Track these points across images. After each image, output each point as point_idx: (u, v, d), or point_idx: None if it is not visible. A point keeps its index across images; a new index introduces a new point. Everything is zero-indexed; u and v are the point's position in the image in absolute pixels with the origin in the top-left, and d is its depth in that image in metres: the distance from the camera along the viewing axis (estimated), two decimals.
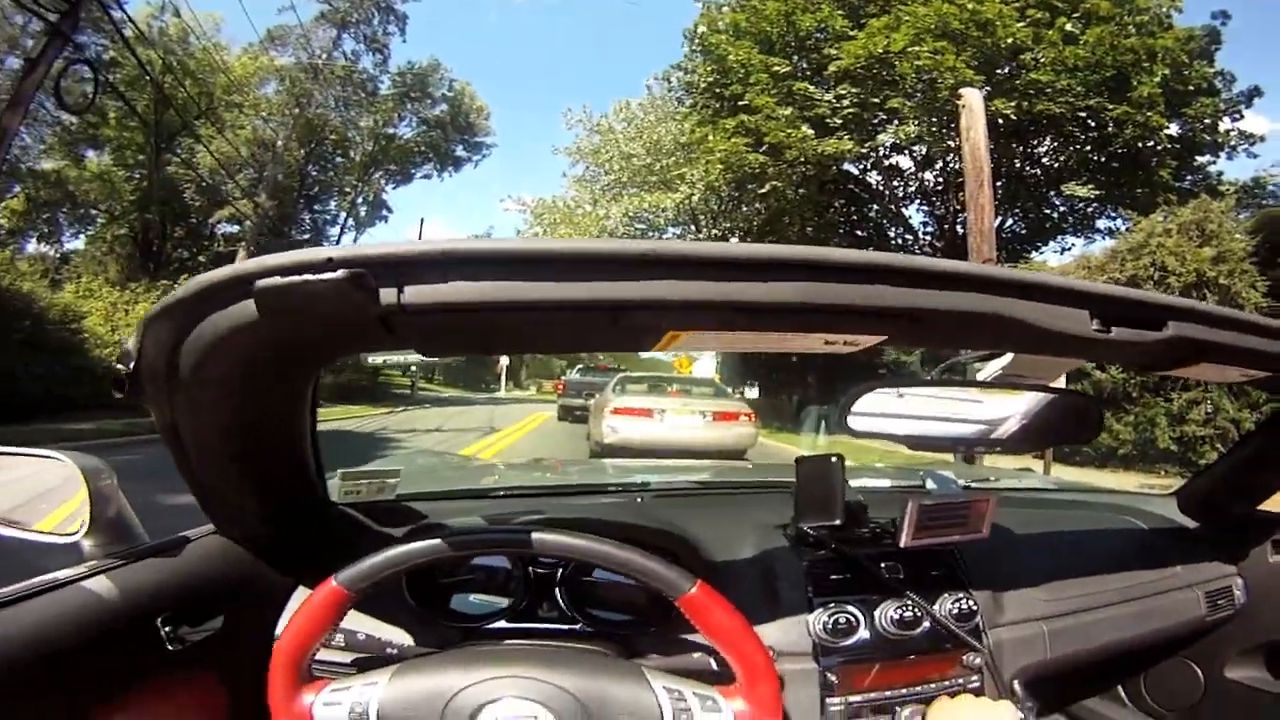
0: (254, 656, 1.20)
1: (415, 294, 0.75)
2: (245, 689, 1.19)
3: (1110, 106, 17.06)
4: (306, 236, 36.18)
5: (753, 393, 26.12)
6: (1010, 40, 16.78)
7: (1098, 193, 18.72)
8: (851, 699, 1.29)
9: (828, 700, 1.27)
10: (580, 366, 26.17)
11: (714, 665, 1.15)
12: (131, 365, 0.94)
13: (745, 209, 23.48)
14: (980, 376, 1.83)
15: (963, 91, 13.68)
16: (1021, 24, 16.94)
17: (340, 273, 0.73)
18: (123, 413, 16.83)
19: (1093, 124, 18.01)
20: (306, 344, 0.95)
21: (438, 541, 1.07)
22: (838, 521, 1.41)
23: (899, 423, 1.59)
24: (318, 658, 1.09)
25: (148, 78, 23.52)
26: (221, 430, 1.04)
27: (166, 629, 1.10)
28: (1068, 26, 16.81)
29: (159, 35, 26.34)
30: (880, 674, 1.31)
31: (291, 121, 31.84)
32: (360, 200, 38.23)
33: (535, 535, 1.07)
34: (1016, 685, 1.36)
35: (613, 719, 0.99)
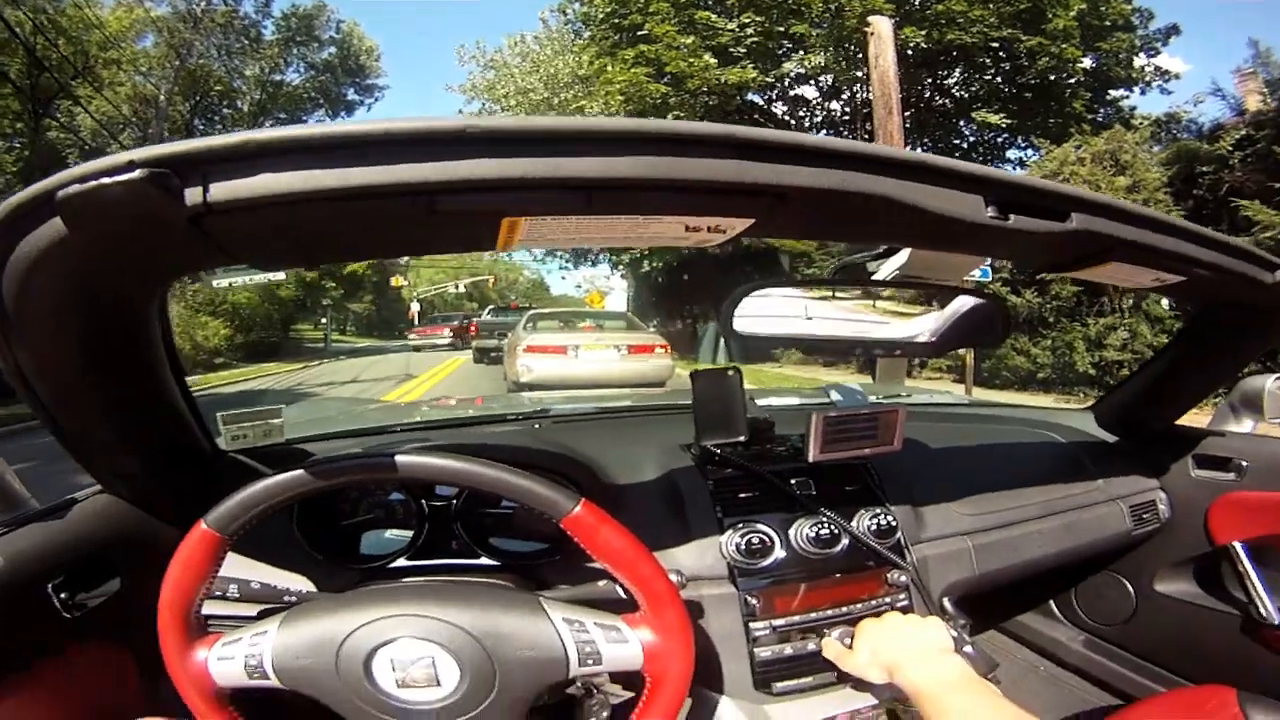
0: (152, 616, 1.15)
1: (220, 190, 0.70)
2: (149, 650, 1.11)
3: (1024, 38, 17.19)
4: None
5: (670, 327, 26.45)
6: None
7: (1009, 122, 18.91)
8: (775, 622, 1.26)
9: (751, 625, 1.25)
10: (492, 307, 26.14)
11: (620, 594, 1.07)
12: None
13: None
14: (877, 276, 1.75)
15: (871, 19, 13.87)
16: None
17: (139, 172, 0.67)
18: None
19: (1005, 55, 18.24)
20: (125, 259, 0.86)
21: (300, 472, 1.00)
22: (742, 438, 1.42)
23: (788, 324, 1.53)
24: (217, 612, 1.08)
25: (17, 41, 22.78)
26: (71, 370, 0.98)
27: (60, 595, 1.06)
28: None
29: None
30: (803, 596, 1.29)
31: (173, 75, 30.98)
32: None
33: (400, 458, 0.99)
34: (946, 602, 1.34)
35: (512, 654, 0.96)
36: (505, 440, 1.60)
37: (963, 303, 1.58)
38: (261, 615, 1.08)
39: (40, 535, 1.10)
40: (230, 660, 0.98)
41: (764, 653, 1.25)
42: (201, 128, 35.34)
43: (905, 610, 1.31)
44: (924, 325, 1.57)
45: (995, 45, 17.55)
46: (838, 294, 1.63)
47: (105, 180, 0.68)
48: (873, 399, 2.08)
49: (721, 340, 18.56)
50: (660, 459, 1.45)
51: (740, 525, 1.30)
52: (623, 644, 0.97)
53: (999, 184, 0.85)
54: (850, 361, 16.46)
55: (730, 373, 1.43)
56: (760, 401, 1.61)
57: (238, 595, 1.10)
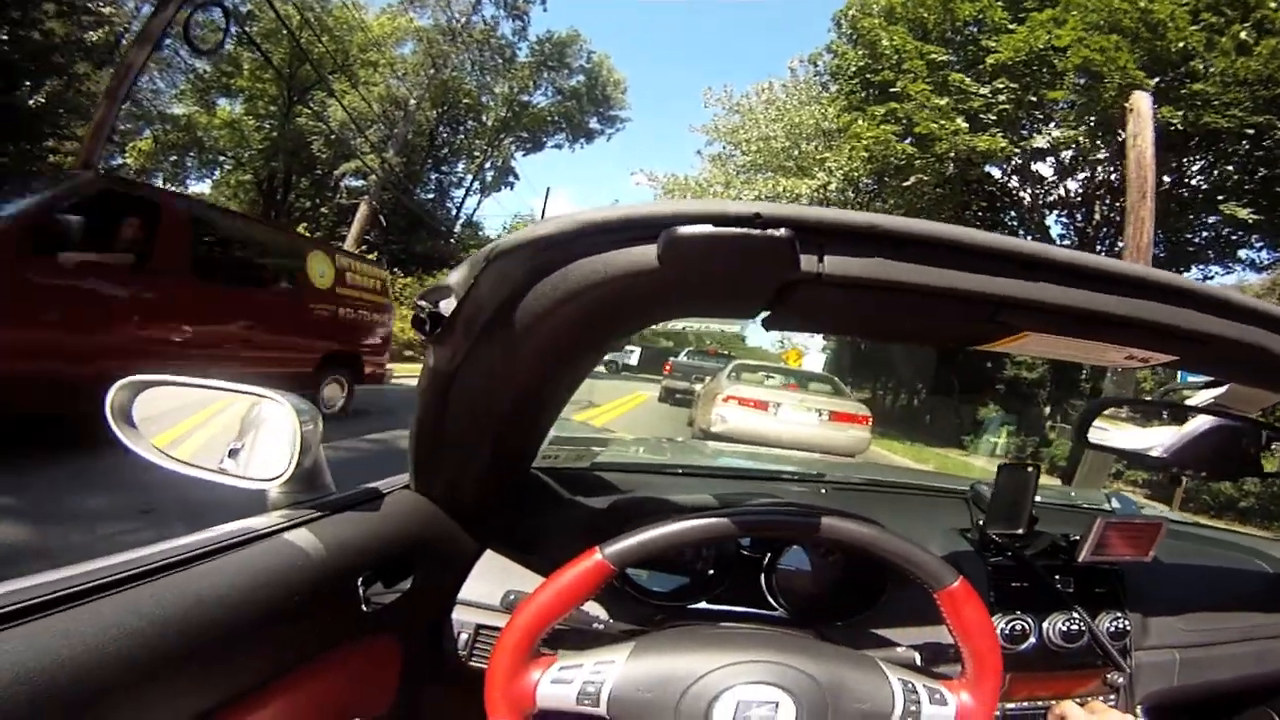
0: (434, 620, 1.28)
1: (835, 264, 0.77)
2: (421, 653, 1.23)
3: (1278, 124, 16.45)
4: (430, 196, 38.67)
5: (862, 394, 26.15)
6: (1181, 44, 16.54)
7: (1257, 217, 17.91)
8: (1009, 706, 1.39)
9: None
10: (690, 349, 26.30)
11: (916, 660, 1.18)
12: (449, 303, 0.94)
13: (880, 204, 23.51)
14: (1192, 402, 1.90)
15: (1134, 94, 13.60)
16: (1195, 27, 16.56)
17: (781, 231, 0.74)
18: None
19: (1257, 143, 17.35)
20: (672, 302, 0.95)
21: (723, 521, 1.09)
22: (1020, 531, 1.51)
23: (1130, 439, 1.82)
24: (493, 623, 1.15)
25: (284, 31, 25.29)
26: (511, 386, 1.08)
27: (363, 588, 1.11)
28: (1242, 35, 16.29)
29: None
30: (1034, 682, 1.41)
31: (426, 82, 33.91)
32: (489, 165, 40.38)
33: (826, 520, 1.10)
34: (1139, 710, 1.45)
35: (849, 706, 1.03)
36: (825, 504, 1.67)
37: (1213, 424, 1.77)
38: (552, 640, 1.11)
39: (357, 527, 1.13)
40: (566, 684, 1.03)
41: None
42: (445, 135, 38.83)
43: (1113, 707, 1.39)
44: (1158, 439, 1.77)
45: (1249, 130, 16.75)
46: (1161, 415, 1.87)
47: (734, 230, 0.75)
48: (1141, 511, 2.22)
49: (1005, 430, 18.75)
50: (943, 540, 1.58)
51: (1007, 612, 1.43)
52: (942, 705, 1.05)
53: None
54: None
55: (1030, 469, 1.51)
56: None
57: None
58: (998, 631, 1.37)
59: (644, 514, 1.15)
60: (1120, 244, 20.79)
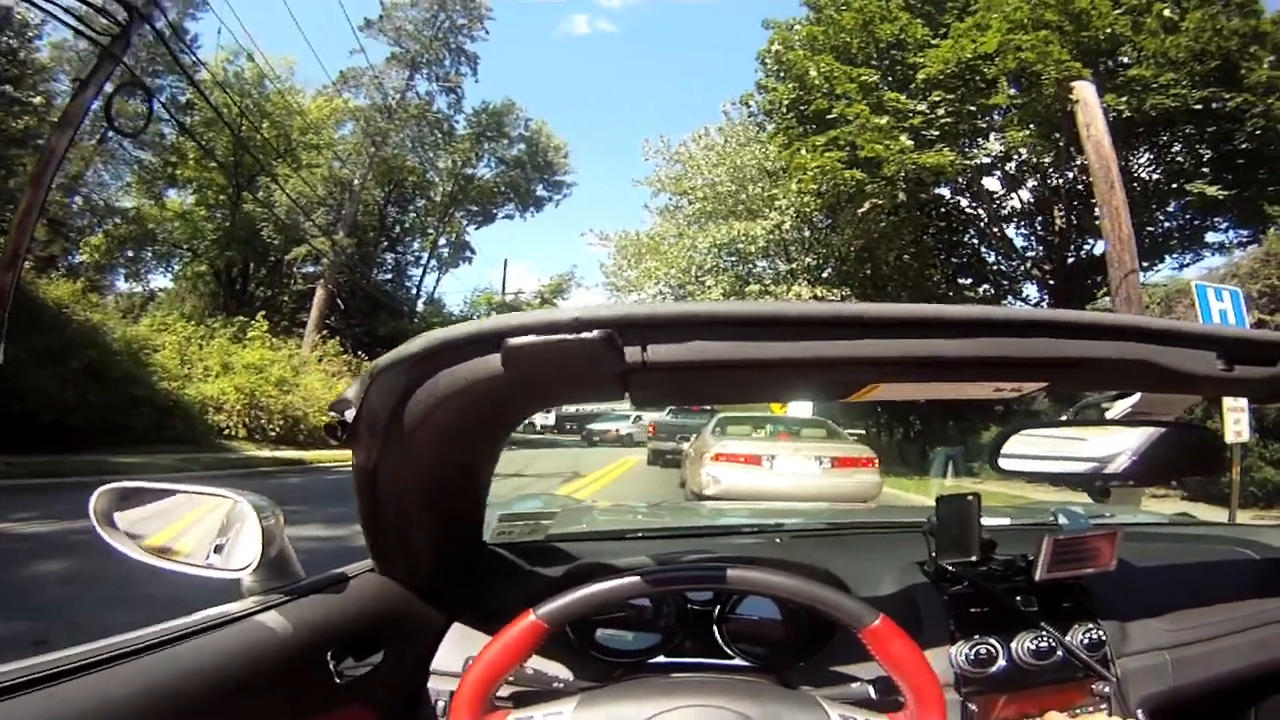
0: (410, 690, 1.35)
1: (658, 352, 0.86)
2: (399, 719, 1.32)
3: (1226, 96, 16.46)
4: (389, 277, 39.64)
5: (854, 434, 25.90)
6: (1109, 31, 16.69)
7: (1226, 194, 17.65)
8: None
9: None
10: (671, 409, 26.04)
11: (871, 694, 1.22)
12: (352, 413, 1.02)
13: (837, 237, 23.75)
14: (1110, 415, 2.02)
15: (1074, 85, 13.81)
16: (1118, 11, 16.69)
17: (594, 333, 0.83)
18: (178, 447, 18.32)
19: (1210, 118, 17.36)
20: (535, 396, 1.11)
21: (636, 579, 1.18)
22: (974, 557, 1.51)
23: (1043, 462, 1.83)
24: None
25: (223, 122, 26.32)
26: (424, 475, 1.18)
27: (333, 663, 1.18)
28: (1165, 12, 16.44)
29: (234, 78, 29.32)
30: (1013, 703, 1.41)
31: (368, 161, 34.60)
32: (443, 241, 41.26)
33: (731, 572, 1.18)
34: (1140, 714, 1.45)
35: None
36: (771, 554, 1.76)
37: (1183, 434, 1.84)
38: (518, 699, 1.21)
39: (322, 607, 1.22)
40: None
41: None
42: (395, 214, 39.77)
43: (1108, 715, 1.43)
44: (1120, 446, 1.76)
45: (1196, 107, 16.80)
46: (1077, 433, 1.94)
47: (562, 336, 0.84)
48: (1092, 520, 2.16)
49: (951, 463, 18.44)
50: (897, 575, 1.60)
51: (972, 638, 1.42)
52: None
53: (1228, 341, 1.06)
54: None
55: (969, 498, 1.52)
56: (983, 521, 1.56)
57: (510, 678, 1.18)
58: (964, 657, 1.38)
59: (592, 578, 1.18)
60: (1088, 245, 21.47)
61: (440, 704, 1.33)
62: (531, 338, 0.84)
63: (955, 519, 1.52)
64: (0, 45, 21.22)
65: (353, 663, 1.22)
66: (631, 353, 0.85)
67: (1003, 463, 1.73)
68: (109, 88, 15.33)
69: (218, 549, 1.23)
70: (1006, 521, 2.26)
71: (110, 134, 27.00)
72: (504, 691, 1.21)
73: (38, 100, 23.24)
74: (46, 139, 15.15)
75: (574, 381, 1.00)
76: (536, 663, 1.27)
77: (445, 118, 37.96)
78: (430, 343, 0.92)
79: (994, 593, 1.51)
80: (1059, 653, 1.43)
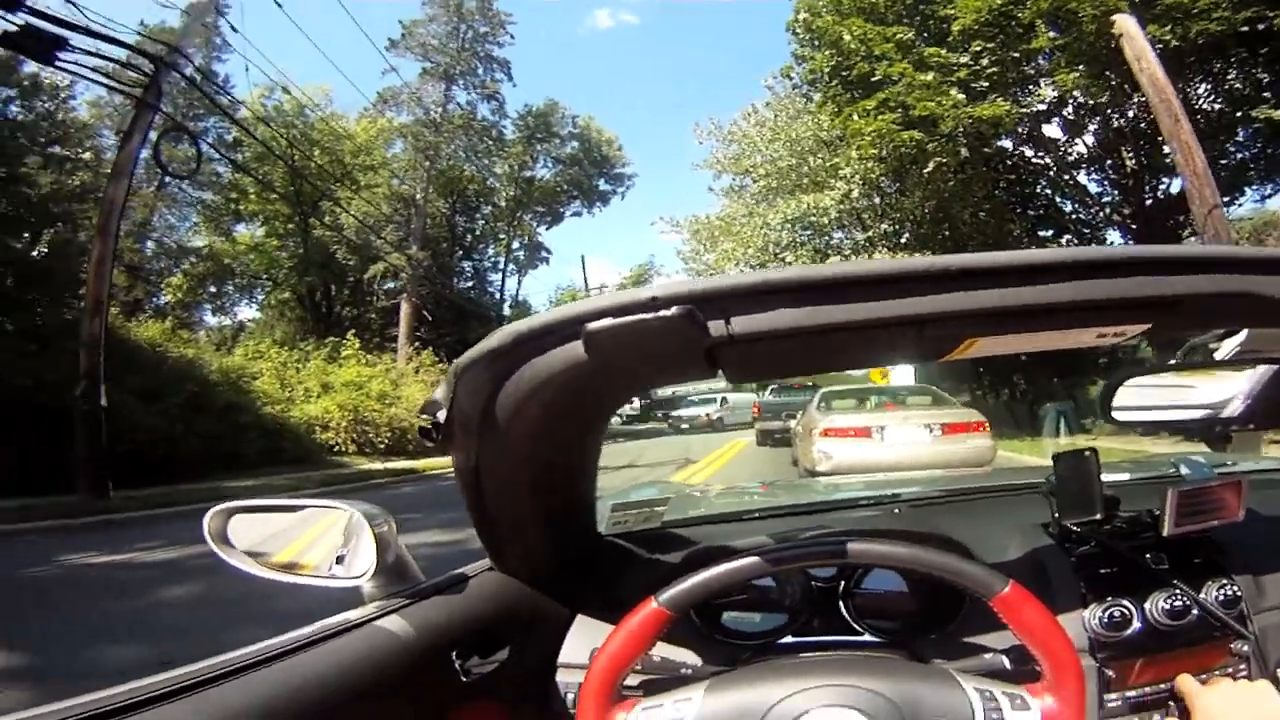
0: (537, 684, 1.38)
1: (742, 324, 0.85)
2: (528, 715, 1.35)
3: (1270, 14, 15.39)
4: (470, 284, 40.52)
5: (960, 399, 25.44)
6: None
7: None
8: (1127, 694, 1.34)
9: (1105, 697, 1.32)
10: (774, 387, 26.08)
11: (1005, 664, 1.19)
12: (443, 414, 1.05)
13: (908, 200, 23.49)
14: (1219, 356, 1.93)
15: (1114, 19, 13.34)
16: None
17: (674, 309, 0.82)
18: (290, 468, 19.08)
19: (1259, 40, 16.36)
20: (625, 381, 1.10)
21: (756, 559, 1.16)
22: (1098, 516, 1.49)
23: (1157, 411, 1.76)
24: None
25: (274, 155, 27.30)
26: (525, 469, 1.19)
27: (459, 661, 1.22)
28: None
29: (274, 112, 29.93)
30: (1150, 667, 1.36)
31: (425, 175, 35.27)
32: (516, 245, 41.98)
33: (853, 545, 1.16)
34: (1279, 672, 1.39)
35: None
36: (888, 525, 1.74)
37: (1274, 370, 1.71)
38: (648, 687, 1.22)
39: (444, 608, 1.26)
40: None
41: None
42: (464, 223, 40.54)
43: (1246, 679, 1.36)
44: (1235, 389, 1.71)
45: (1244, 30, 15.68)
46: (1187, 378, 1.83)
47: (641, 316, 0.83)
48: (1215, 470, 2.12)
49: (1062, 419, 17.62)
50: (1021, 539, 1.56)
51: (1104, 600, 1.38)
52: (1025, 711, 1.06)
53: None
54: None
55: (1088, 453, 1.50)
56: (1104, 477, 1.57)
57: (638, 667, 1.18)
58: (1097, 621, 1.34)
59: (711, 562, 1.18)
60: (1163, 184, 20.90)
61: (570, 696, 1.36)
62: (610, 320, 0.84)
63: (1075, 476, 1.51)
64: (39, 110, 21.96)
65: (478, 660, 1.25)
66: (716, 327, 0.84)
67: (1116, 414, 1.71)
68: (153, 135, 15.89)
69: (339, 560, 1.26)
70: (1126, 477, 2.15)
71: (167, 179, 28.27)
72: (633, 680, 1.21)
73: (87, 155, 24.21)
74: (104, 191, 15.84)
75: (661, 363, 0.99)
76: (663, 650, 1.27)
77: (492, 124, 38.52)
78: (509, 336, 0.92)
79: (1122, 552, 1.46)
80: (1194, 612, 1.38)
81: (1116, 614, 1.35)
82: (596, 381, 1.01)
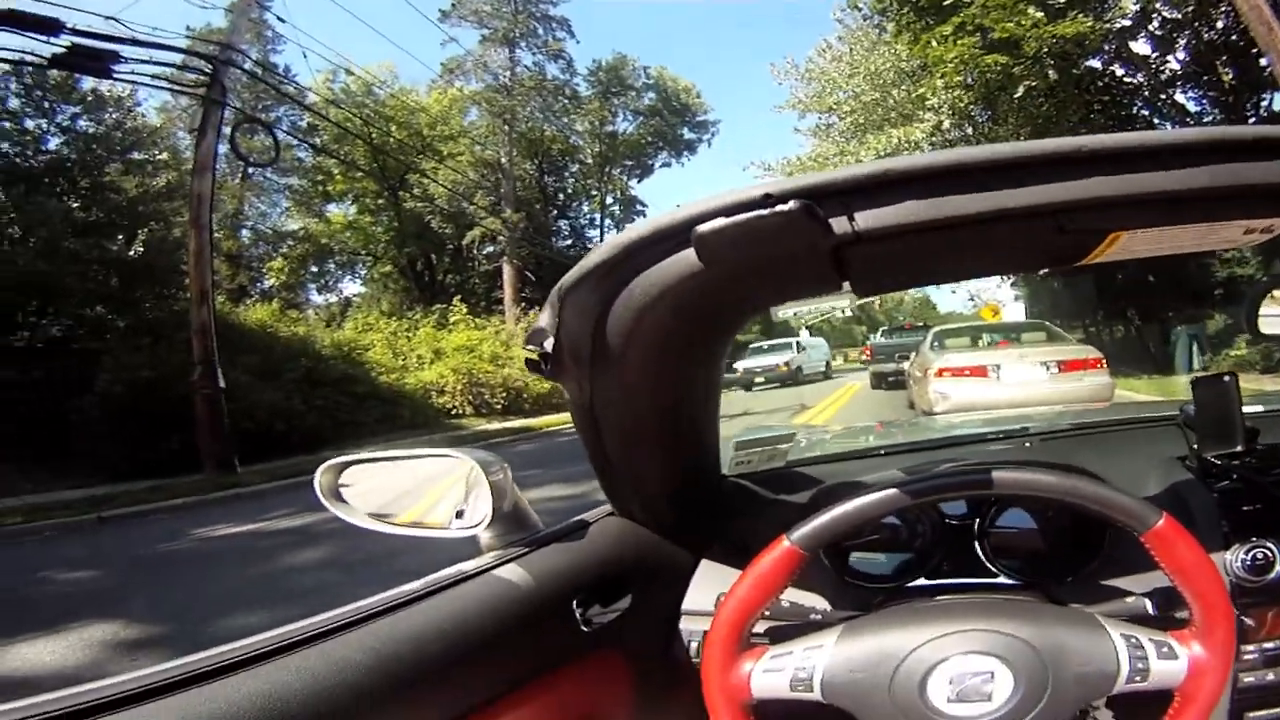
0: (660, 633, 1.35)
1: (867, 219, 0.77)
2: (651, 664, 1.32)
3: None
4: (569, 243, 39.98)
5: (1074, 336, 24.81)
6: None
7: None
8: (1266, 645, 1.24)
9: (1242, 648, 1.21)
10: (885, 328, 25.43)
11: (1148, 609, 1.12)
12: (549, 342, 0.97)
13: (1002, 129, 22.34)
14: None
15: None
16: None
17: (791, 204, 0.75)
18: (411, 432, 19.72)
19: None
20: (744, 296, 1.01)
21: (894, 492, 1.09)
22: (1239, 448, 1.40)
23: None
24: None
25: (352, 134, 27.86)
26: (642, 401, 1.13)
27: (580, 610, 1.19)
28: None
29: (342, 93, 30.34)
30: None
31: (506, 139, 35.46)
32: (610, 200, 41.96)
33: (998, 474, 1.09)
34: None
35: (1069, 669, 1.01)
36: (1023, 458, 1.67)
37: None
38: (774, 634, 1.20)
39: (564, 556, 1.24)
40: (778, 673, 1.07)
41: (1247, 678, 1.23)
42: (554, 183, 40.55)
43: None
44: None
45: None
46: None
47: (757, 212, 0.77)
48: None
49: (1195, 344, 17.39)
50: (1161, 473, 1.48)
51: (1248, 540, 1.27)
52: (1172, 660, 1.01)
53: None
54: None
55: (1228, 378, 1.42)
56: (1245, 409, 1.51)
57: (767, 612, 1.14)
58: (1240, 564, 1.24)
59: (839, 499, 1.12)
60: (1264, 100, 19.90)
61: (694, 644, 1.32)
62: (723, 220, 0.77)
63: (1215, 405, 1.42)
64: (108, 121, 22.93)
65: (600, 609, 1.22)
66: (839, 224, 0.77)
67: (1263, 324, 1.58)
68: (227, 130, 16.58)
69: (459, 514, 1.24)
70: (1261, 409, 1.97)
71: (250, 169, 29.54)
72: (759, 628, 1.17)
73: (164, 156, 25.19)
74: (190, 188, 16.47)
75: (782, 271, 0.92)
76: (791, 595, 1.22)
77: (564, 83, 38.17)
78: (615, 247, 0.86)
79: (1268, 487, 1.35)
80: None
81: (1260, 556, 1.25)
82: (713, 297, 0.96)
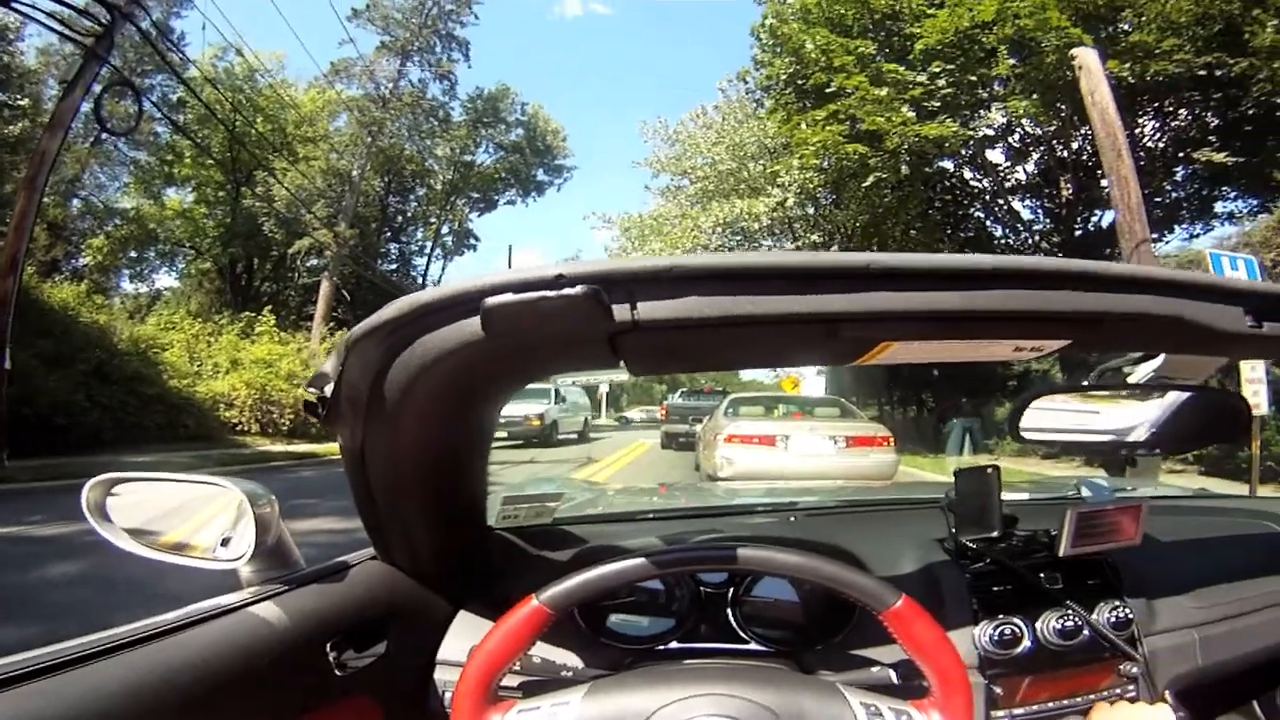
0: (414, 681, 1.33)
1: (649, 310, 0.81)
2: (404, 713, 1.30)
3: (1230, 61, 15.74)
4: (394, 267, 39.79)
5: (869, 413, 25.83)
6: None
7: (1235, 160, 17.06)
8: (1015, 711, 1.36)
9: (992, 714, 1.33)
10: (683, 390, 26.02)
11: (893, 679, 1.19)
12: (330, 388, 0.99)
13: (842, 213, 23.91)
14: (1133, 379, 1.96)
15: (1076, 51, 13.33)
16: None
17: (578, 289, 0.78)
18: (191, 444, 18.66)
19: (1215, 85, 16.75)
20: (522, 363, 1.04)
21: (643, 561, 1.14)
22: (995, 533, 1.49)
23: (1065, 433, 1.79)
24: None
25: (216, 119, 26.56)
26: (411, 456, 1.14)
27: (333, 654, 1.17)
28: None
29: (224, 74, 29.59)
30: (1039, 686, 1.38)
31: (365, 152, 34.70)
32: (446, 230, 41.47)
33: (743, 551, 1.14)
34: (1168, 695, 1.42)
35: None
36: (786, 534, 1.70)
37: (1212, 399, 1.83)
38: (528, 689, 1.18)
39: (322, 597, 1.21)
40: None
41: None
42: (396, 204, 39.86)
43: (1132, 700, 1.39)
44: (1141, 417, 1.77)
45: (1202, 74, 16.26)
46: (1100, 399, 1.86)
47: (543, 293, 0.79)
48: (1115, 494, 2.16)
49: (968, 436, 18.68)
50: (917, 553, 1.56)
51: (993, 617, 1.38)
52: None
53: (1256, 295, 0.98)
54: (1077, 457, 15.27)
55: (989, 470, 1.50)
56: (1004, 496, 1.56)
57: (517, 667, 1.15)
58: (988, 638, 1.36)
59: (596, 561, 1.14)
60: (1096, 216, 21.42)
61: (447, 695, 1.31)
62: (510, 296, 0.80)
63: (975, 493, 1.51)
64: None
65: (355, 654, 1.21)
66: (620, 311, 0.80)
67: (1024, 432, 1.71)
68: (97, 88, 15.48)
69: (224, 542, 1.22)
70: (1026, 497, 2.24)
71: (104, 136, 27.54)
72: (513, 681, 1.19)
73: (25, 103, 23.68)
74: (38, 142, 15.31)
75: (561, 346, 0.95)
76: (547, 651, 1.27)
77: (440, 105, 38.03)
78: (409, 305, 0.88)
79: (1017, 570, 1.47)
80: (1085, 632, 1.40)
81: (1007, 632, 1.36)
82: (494, 364, 0.99)
